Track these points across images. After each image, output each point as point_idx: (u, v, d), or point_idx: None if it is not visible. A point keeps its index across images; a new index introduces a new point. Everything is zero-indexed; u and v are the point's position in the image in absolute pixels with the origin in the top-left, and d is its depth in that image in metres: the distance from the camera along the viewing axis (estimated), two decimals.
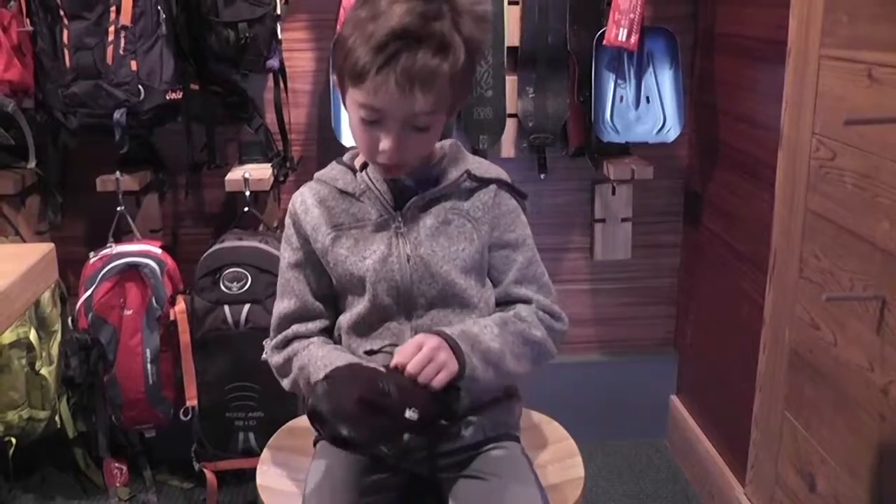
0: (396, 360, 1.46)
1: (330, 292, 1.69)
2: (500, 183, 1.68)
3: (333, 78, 2.57)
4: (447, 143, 1.70)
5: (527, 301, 1.67)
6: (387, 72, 1.43)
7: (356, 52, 1.45)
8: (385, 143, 1.51)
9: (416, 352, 1.46)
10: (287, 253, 1.69)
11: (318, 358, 1.60)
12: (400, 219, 1.61)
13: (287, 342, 1.67)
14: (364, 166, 1.65)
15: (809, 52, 2.04)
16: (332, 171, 1.69)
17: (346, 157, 1.71)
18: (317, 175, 1.70)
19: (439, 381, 1.45)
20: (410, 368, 1.44)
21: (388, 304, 1.61)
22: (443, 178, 1.64)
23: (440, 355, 1.47)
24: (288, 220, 1.70)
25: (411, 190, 1.63)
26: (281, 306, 1.69)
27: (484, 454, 1.64)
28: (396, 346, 1.55)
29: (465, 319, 1.61)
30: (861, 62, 1.84)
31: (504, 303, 1.68)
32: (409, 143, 1.52)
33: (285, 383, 1.68)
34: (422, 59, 1.43)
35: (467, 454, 1.64)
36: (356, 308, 1.63)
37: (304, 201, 1.67)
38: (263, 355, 1.75)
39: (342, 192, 1.65)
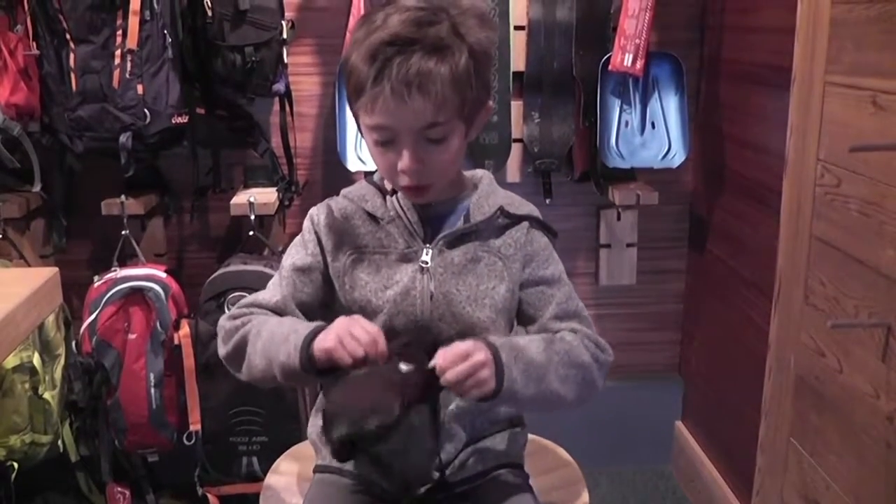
0: (440, 363, 1.39)
1: (314, 309, 1.62)
2: (531, 220, 1.64)
3: (340, 100, 2.59)
4: (478, 173, 1.67)
5: (571, 332, 1.61)
6: (381, 80, 1.40)
7: (354, 68, 1.43)
8: (402, 163, 1.47)
9: (460, 360, 1.39)
10: (299, 255, 1.62)
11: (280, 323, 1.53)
12: (428, 252, 1.57)
13: (249, 313, 1.59)
14: (395, 190, 1.59)
15: (814, 78, 2.04)
16: (362, 189, 1.63)
17: (376, 177, 1.65)
18: (344, 192, 1.65)
19: (472, 397, 1.41)
20: (450, 377, 1.38)
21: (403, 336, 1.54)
22: (475, 213, 1.60)
23: (483, 373, 1.40)
24: (308, 225, 1.63)
25: (441, 221, 1.59)
26: (260, 295, 1.61)
27: (487, 482, 1.62)
28: None
29: None
30: (866, 89, 1.84)
31: None
32: (427, 159, 1.48)
33: (225, 349, 1.58)
34: (416, 62, 1.39)
35: (471, 484, 1.62)
36: None
37: (330, 214, 1.61)
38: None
39: (369, 214, 1.60)
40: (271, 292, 1.61)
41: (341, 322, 1.43)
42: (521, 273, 1.61)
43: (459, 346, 1.41)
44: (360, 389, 1.38)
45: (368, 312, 1.56)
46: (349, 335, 1.39)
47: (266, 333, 1.51)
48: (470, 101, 1.48)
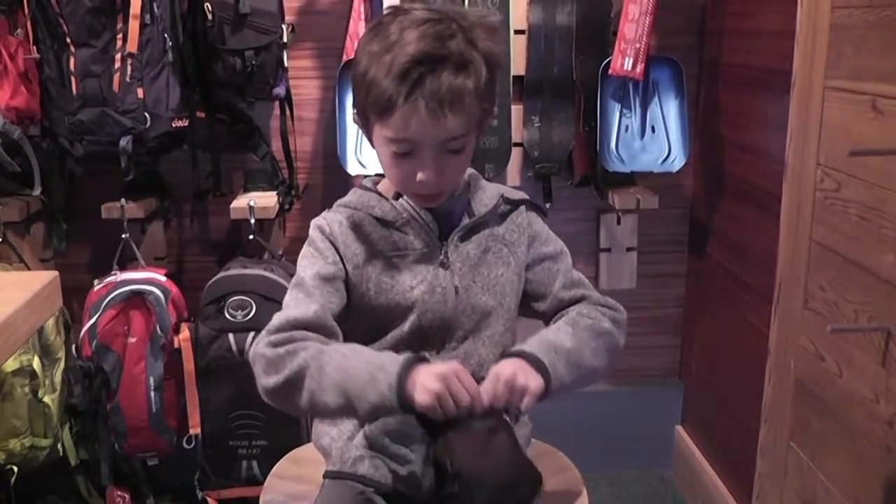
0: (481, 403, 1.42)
1: (339, 319, 1.58)
2: (527, 203, 1.71)
3: (340, 104, 2.58)
4: (467, 171, 1.69)
5: (581, 299, 1.68)
6: (415, 98, 1.41)
7: (379, 85, 1.43)
8: (423, 174, 1.50)
9: (493, 388, 1.44)
10: (318, 265, 1.57)
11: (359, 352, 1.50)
12: (446, 250, 1.60)
13: (293, 340, 1.49)
14: (400, 194, 1.61)
15: (814, 82, 2.05)
16: (363, 197, 1.63)
17: (369, 184, 1.67)
18: (343, 201, 1.65)
19: (527, 405, 1.45)
20: (493, 403, 1.43)
21: (428, 335, 1.59)
22: (477, 206, 1.65)
23: (518, 380, 1.44)
24: (319, 236, 1.60)
25: (447, 218, 1.62)
26: (292, 312, 1.52)
27: None
28: None
29: (493, 349, 1.62)
30: (865, 93, 1.84)
31: (558, 310, 1.69)
32: (446, 169, 1.51)
33: (272, 380, 1.49)
34: (446, 79, 1.42)
35: None
36: (388, 338, 1.60)
37: (342, 223, 1.60)
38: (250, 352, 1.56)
39: (379, 219, 1.61)
40: (303, 307, 1.53)
41: (438, 375, 1.39)
42: (527, 254, 1.68)
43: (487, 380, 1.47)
44: (495, 450, 1.44)
45: (398, 314, 1.59)
46: (448, 392, 1.37)
47: (332, 369, 1.44)
48: (487, 111, 1.55)
